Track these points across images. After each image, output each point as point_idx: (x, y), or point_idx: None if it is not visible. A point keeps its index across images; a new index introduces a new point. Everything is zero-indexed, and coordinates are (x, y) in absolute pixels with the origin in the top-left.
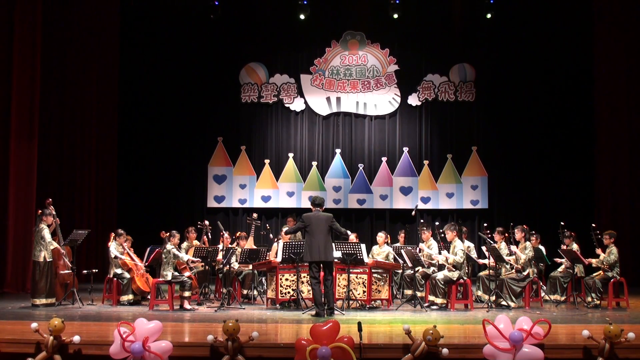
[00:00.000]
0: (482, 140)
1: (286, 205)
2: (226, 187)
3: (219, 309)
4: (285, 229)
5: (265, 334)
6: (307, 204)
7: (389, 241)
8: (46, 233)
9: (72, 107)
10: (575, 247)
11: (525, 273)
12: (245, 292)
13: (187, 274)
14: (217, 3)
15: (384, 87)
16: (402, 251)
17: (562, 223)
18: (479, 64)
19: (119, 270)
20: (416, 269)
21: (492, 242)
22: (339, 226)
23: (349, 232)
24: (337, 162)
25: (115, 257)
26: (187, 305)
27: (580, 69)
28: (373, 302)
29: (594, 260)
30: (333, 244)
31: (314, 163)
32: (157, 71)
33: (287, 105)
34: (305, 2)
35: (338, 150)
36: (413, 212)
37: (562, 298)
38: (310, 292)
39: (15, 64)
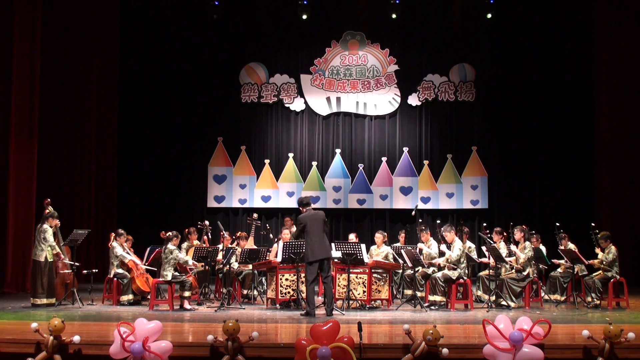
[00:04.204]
0: (482, 140)
1: (286, 205)
2: (226, 187)
3: (219, 309)
4: (285, 231)
5: (265, 334)
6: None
7: (387, 241)
8: (49, 236)
9: (72, 107)
10: (571, 246)
11: (525, 273)
12: (245, 292)
13: (187, 273)
14: (217, 3)
15: (384, 87)
16: (402, 251)
17: (557, 224)
18: (479, 64)
19: (119, 270)
20: (416, 269)
21: (491, 242)
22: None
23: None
24: (337, 162)
25: (130, 260)
26: (187, 305)
27: (580, 69)
28: (373, 302)
29: (595, 261)
30: (333, 244)
31: (314, 163)
32: (157, 71)
33: (287, 105)
34: (305, 2)
35: (338, 150)
36: (413, 212)
37: (562, 298)
38: None
39: (15, 64)
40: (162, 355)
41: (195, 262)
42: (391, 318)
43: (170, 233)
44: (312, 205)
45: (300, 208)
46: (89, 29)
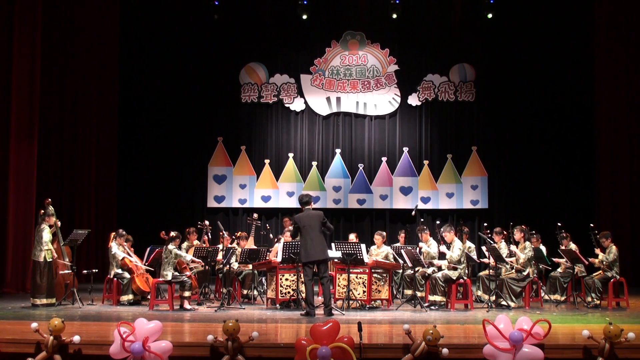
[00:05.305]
0: (482, 140)
1: (286, 205)
2: (226, 187)
3: (219, 309)
4: (287, 232)
5: (265, 334)
6: None
7: (386, 241)
8: (45, 234)
9: (72, 107)
10: (573, 246)
11: (525, 273)
12: (245, 292)
13: (187, 273)
14: (217, 3)
15: (384, 87)
16: (402, 251)
17: (559, 224)
18: (479, 64)
19: (119, 270)
20: (416, 269)
21: (492, 242)
22: (329, 224)
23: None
24: (337, 162)
25: (123, 258)
26: (187, 305)
27: (580, 69)
28: (373, 302)
29: (596, 260)
30: (333, 244)
31: (314, 163)
32: (157, 71)
33: (287, 105)
34: (305, 2)
35: (338, 150)
36: (413, 212)
37: (562, 298)
38: None
39: (15, 64)
40: (162, 355)
41: (196, 259)
42: (391, 318)
43: (173, 233)
44: (312, 205)
45: (300, 207)
46: (89, 28)
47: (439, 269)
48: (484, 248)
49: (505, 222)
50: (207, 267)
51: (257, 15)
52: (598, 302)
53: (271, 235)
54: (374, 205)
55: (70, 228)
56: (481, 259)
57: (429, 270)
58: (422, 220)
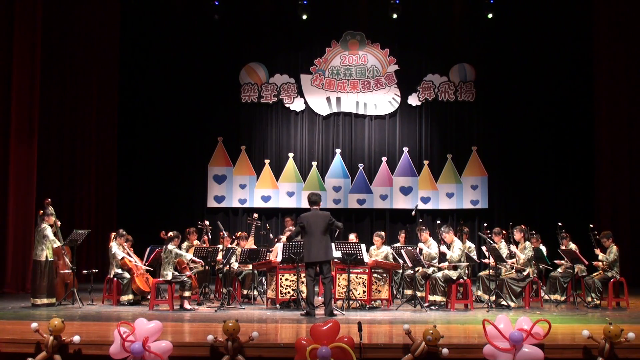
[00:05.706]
0: (482, 140)
1: (286, 205)
2: (226, 187)
3: (219, 309)
4: (287, 233)
5: (265, 334)
6: (307, 204)
7: (385, 242)
8: (49, 232)
9: (72, 107)
10: (573, 247)
11: (525, 273)
12: (245, 292)
13: (187, 273)
14: (217, 3)
15: (384, 87)
16: (402, 251)
17: (559, 224)
18: (479, 64)
19: (119, 270)
20: (416, 269)
21: (492, 242)
22: (338, 223)
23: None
24: (337, 162)
25: (122, 258)
26: (187, 305)
27: (580, 69)
28: (373, 302)
29: (600, 264)
30: (333, 244)
31: (314, 163)
32: (157, 71)
33: (287, 105)
34: (305, 2)
35: (338, 150)
36: (413, 212)
37: (562, 298)
38: None
39: (15, 64)
40: (162, 355)
41: (196, 259)
42: (391, 318)
43: (171, 233)
44: (320, 205)
45: (309, 205)
46: (90, 28)
47: (440, 269)
48: (484, 248)
49: (505, 222)
50: (207, 267)
51: (257, 15)
52: (598, 302)
53: (271, 235)
54: (374, 205)
55: (70, 228)
56: (481, 259)
57: (429, 270)
58: (420, 220)
